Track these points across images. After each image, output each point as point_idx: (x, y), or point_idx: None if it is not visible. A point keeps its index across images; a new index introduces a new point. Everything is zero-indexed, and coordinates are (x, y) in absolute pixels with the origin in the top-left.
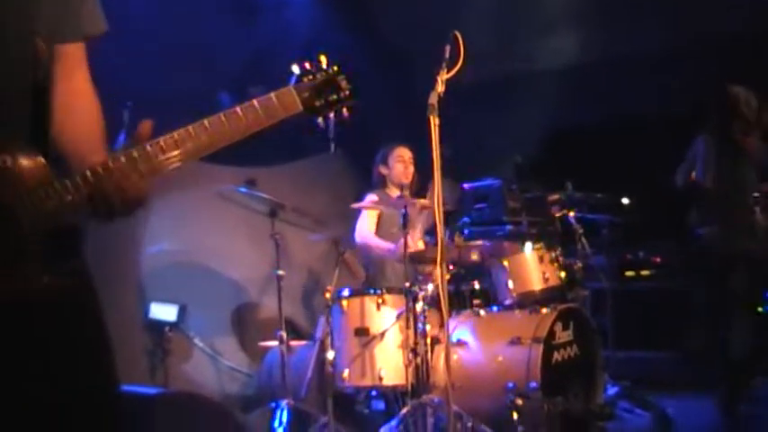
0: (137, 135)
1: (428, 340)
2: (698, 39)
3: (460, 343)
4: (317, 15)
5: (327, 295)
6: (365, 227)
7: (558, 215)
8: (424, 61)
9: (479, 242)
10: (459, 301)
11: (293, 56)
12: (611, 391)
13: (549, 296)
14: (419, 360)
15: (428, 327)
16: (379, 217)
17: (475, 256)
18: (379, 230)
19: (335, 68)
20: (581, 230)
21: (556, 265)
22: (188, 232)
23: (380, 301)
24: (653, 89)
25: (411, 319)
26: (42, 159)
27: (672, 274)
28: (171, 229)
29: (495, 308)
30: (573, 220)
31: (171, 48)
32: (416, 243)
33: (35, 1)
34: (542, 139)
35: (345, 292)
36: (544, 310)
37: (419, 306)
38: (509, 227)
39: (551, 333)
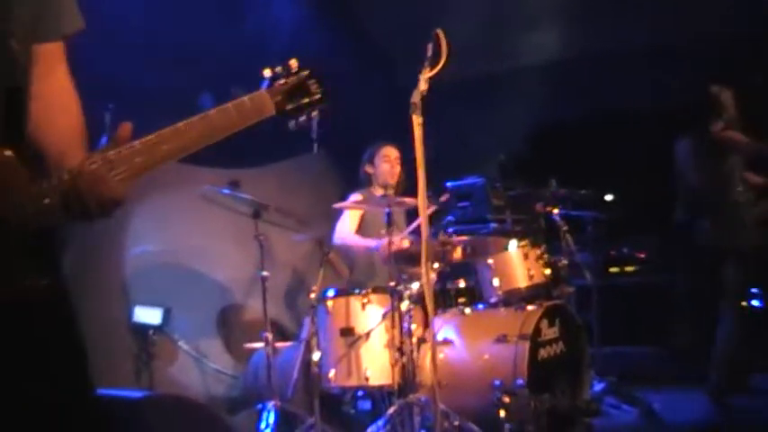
0: (116, 137)
1: (414, 339)
2: (681, 35)
3: (446, 341)
4: (301, 15)
5: (312, 296)
6: (345, 227)
7: (542, 212)
8: (407, 60)
9: (463, 237)
10: (444, 299)
11: (277, 55)
12: (598, 387)
13: (535, 293)
14: (405, 359)
15: (414, 326)
16: (362, 217)
17: (459, 255)
18: (363, 231)
19: (306, 72)
20: (565, 227)
21: (541, 262)
22: (172, 234)
23: (366, 300)
24: (636, 85)
25: (396, 318)
26: (14, 159)
27: (656, 270)
28: (154, 231)
29: (480, 306)
30: (557, 217)
31: (154, 47)
32: (401, 242)
33: (7, 2)
34: (526, 136)
35: (330, 293)
36: (530, 308)
37: (404, 305)
38: (493, 225)
39: (537, 330)
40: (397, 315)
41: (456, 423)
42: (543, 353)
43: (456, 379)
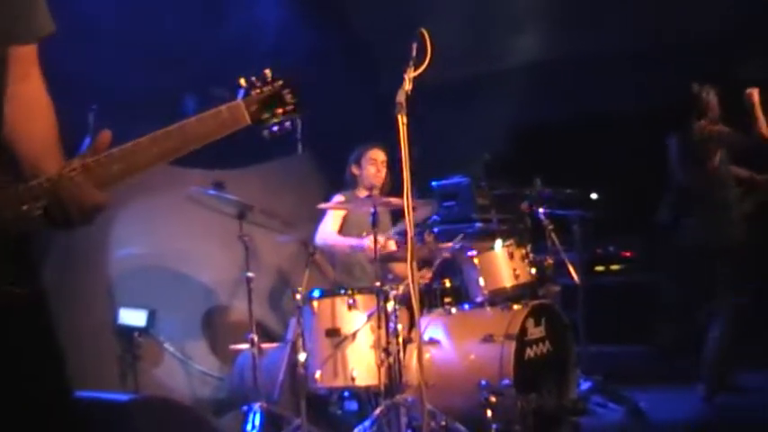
0: (95, 145)
1: (400, 340)
2: (663, 37)
3: (433, 341)
4: (285, 16)
5: (298, 296)
6: (327, 227)
7: (527, 211)
8: (391, 60)
9: (449, 244)
10: (430, 299)
11: (261, 56)
12: (584, 386)
13: (521, 293)
14: (391, 360)
15: (400, 326)
16: (345, 219)
17: (446, 254)
18: (346, 232)
19: (281, 82)
20: (551, 226)
21: (526, 261)
22: (156, 236)
23: (351, 301)
24: (619, 86)
25: (382, 318)
26: None
27: (642, 269)
28: (139, 233)
29: (466, 305)
30: (542, 216)
31: (138, 48)
32: (387, 244)
33: None
34: (511, 136)
35: (316, 293)
36: (516, 307)
37: (390, 305)
38: (479, 224)
39: (523, 329)
40: (383, 315)
41: (443, 423)
42: (530, 352)
43: (442, 379)
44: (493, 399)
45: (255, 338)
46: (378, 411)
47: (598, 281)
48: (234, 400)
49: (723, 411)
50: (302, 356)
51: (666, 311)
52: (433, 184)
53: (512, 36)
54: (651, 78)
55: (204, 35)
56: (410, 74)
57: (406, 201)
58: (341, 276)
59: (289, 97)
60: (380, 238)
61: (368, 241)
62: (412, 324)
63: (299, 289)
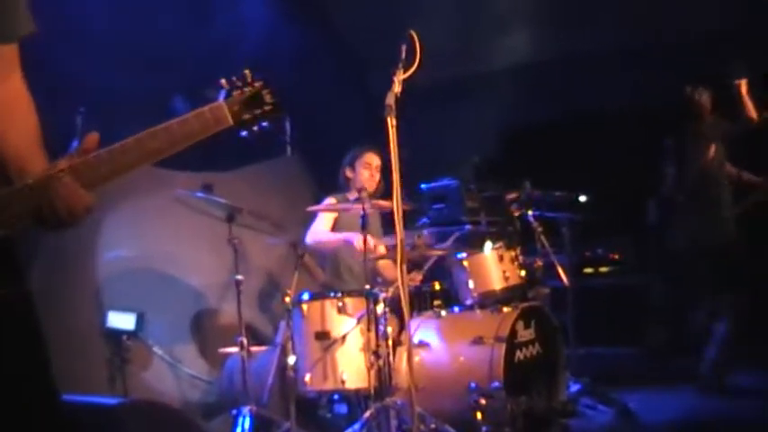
0: (83, 147)
1: (390, 342)
2: (653, 37)
3: (422, 344)
4: (273, 17)
5: (287, 299)
6: (320, 226)
7: (516, 214)
8: (380, 63)
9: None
10: (420, 302)
11: (249, 58)
12: (574, 388)
13: (510, 295)
14: (381, 362)
15: (389, 329)
16: (336, 221)
17: (435, 256)
18: (340, 230)
19: (260, 83)
20: (540, 229)
21: (516, 263)
22: (145, 239)
23: (341, 304)
24: (609, 87)
25: (372, 321)
26: None
27: (630, 271)
28: (128, 236)
29: (456, 308)
30: (532, 219)
31: (125, 49)
32: (376, 248)
33: None
34: (500, 138)
35: (305, 296)
36: (505, 309)
37: (380, 308)
38: (468, 227)
39: (513, 332)
40: (372, 318)
41: (432, 426)
42: (519, 355)
43: (432, 382)
44: (482, 401)
45: (245, 341)
46: (367, 414)
47: (587, 283)
48: (223, 404)
49: (713, 413)
50: (292, 359)
51: (656, 313)
52: (423, 186)
53: (501, 37)
54: (640, 79)
55: (192, 36)
56: (399, 76)
57: (396, 203)
58: (329, 278)
59: (268, 98)
60: (371, 240)
61: (358, 237)
62: (402, 327)
63: (289, 292)
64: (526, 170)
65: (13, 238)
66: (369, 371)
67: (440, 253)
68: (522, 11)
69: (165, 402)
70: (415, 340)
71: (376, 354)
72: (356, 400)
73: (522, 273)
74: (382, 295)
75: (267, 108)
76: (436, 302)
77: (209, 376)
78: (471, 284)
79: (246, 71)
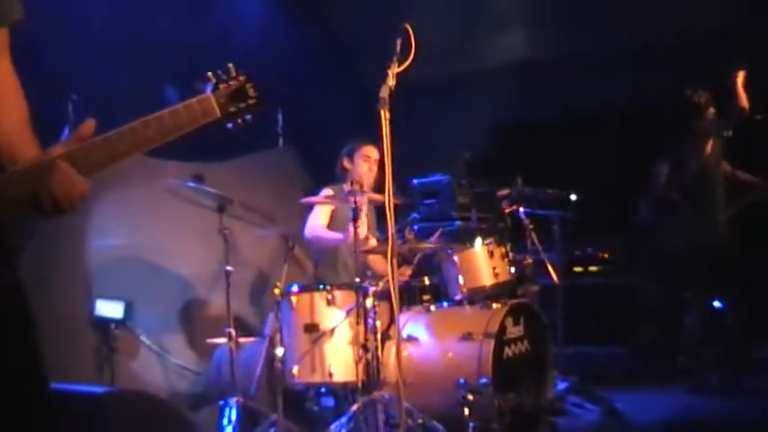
0: (79, 133)
1: (378, 336)
2: (648, 37)
3: (411, 339)
4: (268, 10)
5: (276, 291)
6: (316, 220)
7: (508, 211)
8: (374, 57)
9: (430, 245)
10: (409, 296)
11: (244, 51)
12: (561, 386)
13: (500, 292)
14: (370, 356)
15: (378, 323)
16: (333, 214)
17: (425, 251)
18: (334, 227)
19: (244, 77)
20: (531, 226)
21: (506, 260)
22: (135, 228)
23: (330, 296)
24: (602, 87)
25: (361, 315)
26: None
27: (620, 270)
28: (118, 225)
29: (445, 303)
30: (523, 216)
31: (117, 40)
32: (368, 240)
33: None
34: (493, 135)
35: (294, 288)
36: (495, 306)
37: (369, 302)
38: (459, 222)
39: (502, 328)
40: (361, 311)
41: (420, 421)
42: (508, 351)
43: (420, 377)
44: (470, 397)
45: (233, 333)
46: (355, 408)
47: (577, 281)
48: (210, 395)
49: (701, 413)
50: (280, 351)
51: (645, 313)
52: (414, 181)
53: (496, 35)
54: (634, 80)
55: (187, 28)
56: (394, 69)
57: (388, 196)
58: (325, 271)
59: (251, 92)
60: (362, 232)
61: (349, 233)
62: (391, 321)
63: (278, 283)
64: (518, 167)
65: (4, 225)
66: (357, 364)
67: (431, 245)
68: (518, 10)
69: (152, 392)
70: (404, 335)
71: (364, 347)
72: (343, 393)
73: (512, 269)
74: (372, 289)
75: (251, 102)
76: (425, 297)
77: (196, 367)
78: (461, 280)
79: (230, 65)
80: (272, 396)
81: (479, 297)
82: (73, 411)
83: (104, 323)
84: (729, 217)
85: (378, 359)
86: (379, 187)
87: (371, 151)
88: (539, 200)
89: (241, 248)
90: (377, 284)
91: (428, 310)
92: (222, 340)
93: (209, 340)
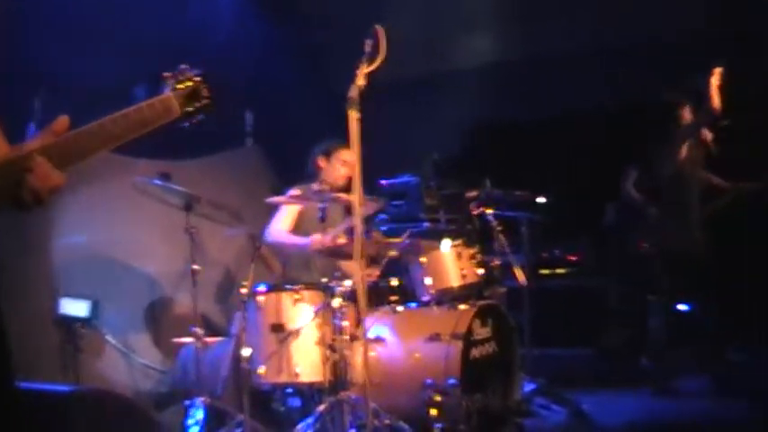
0: (53, 128)
1: (345, 337)
2: (618, 39)
3: (378, 339)
4: (240, 8)
5: (243, 290)
6: (277, 225)
7: (476, 212)
8: (346, 56)
9: (398, 239)
10: (376, 297)
11: (214, 47)
12: (528, 387)
13: (467, 293)
14: (336, 357)
15: (346, 323)
16: (300, 215)
17: (393, 253)
18: (302, 228)
19: (200, 78)
20: (499, 228)
21: (474, 262)
22: (102, 225)
23: (297, 296)
24: (572, 89)
25: (328, 315)
26: None
27: (587, 273)
28: (84, 222)
29: (412, 304)
30: (491, 218)
31: (88, 37)
32: (337, 239)
33: None
34: (462, 136)
35: (261, 288)
36: (462, 307)
37: (336, 302)
38: (427, 224)
39: (470, 329)
40: (329, 312)
41: (387, 422)
42: (475, 352)
43: (387, 377)
44: (438, 398)
45: (199, 332)
46: (321, 408)
47: (544, 284)
48: (176, 394)
49: (665, 415)
50: (246, 351)
51: (611, 315)
52: (383, 182)
53: (466, 35)
54: (604, 82)
55: (156, 24)
56: (363, 69)
57: (357, 196)
58: (292, 271)
59: (205, 92)
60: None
61: (314, 238)
62: (358, 321)
63: (245, 283)
64: (487, 169)
65: None
66: (324, 365)
67: (398, 242)
68: (488, 11)
69: (117, 392)
70: (371, 335)
71: (331, 348)
72: (310, 393)
73: (480, 271)
74: (339, 289)
75: (205, 102)
76: (393, 298)
77: (162, 366)
78: (429, 281)
79: (184, 66)
80: (238, 396)
81: (447, 298)
82: (37, 410)
83: (69, 322)
84: (701, 220)
85: (345, 360)
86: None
87: (350, 155)
88: (507, 202)
89: (208, 247)
90: (344, 285)
91: (396, 311)
92: (188, 340)
93: (175, 339)
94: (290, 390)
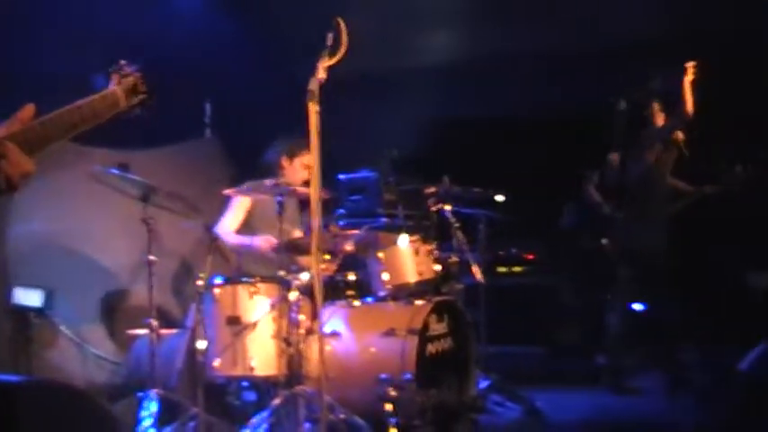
0: (21, 116)
1: (301, 330)
2: (582, 41)
3: (334, 334)
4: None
5: (200, 283)
6: (226, 225)
7: (434, 209)
8: (307, 49)
9: (355, 231)
10: (333, 291)
11: (178, 41)
12: (483, 384)
13: (424, 289)
14: (292, 350)
15: (301, 317)
16: (251, 212)
17: (350, 247)
18: (252, 224)
19: (138, 73)
20: (457, 225)
21: (431, 258)
22: (58, 214)
23: (253, 289)
24: (532, 88)
25: (284, 308)
26: None
27: (543, 271)
28: (40, 210)
29: (369, 299)
30: (449, 214)
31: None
32: (293, 234)
33: None
34: (423, 132)
35: (218, 280)
36: (419, 303)
37: (293, 295)
38: (384, 219)
39: (426, 325)
40: (285, 305)
41: (341, 416)
42: (431, 348)
43: (343, 372)
44: (393, 393)
45: (154, 324)
46: (276, 402)
47: (500, 281)
48: (130, 386)
49: (618, 412)
50: (201, 344)
51: (567, 314)
52: (341, 177)
53: (429, 33)
54: (563, 82)
55: (118, 17)
56: (324, 63)
57: (314, 190)
58: (249, 264)
59: (143, 87)
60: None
61: (259, 240)
62: (314, 315)
63: (201, 275)
64: (446, 166)
65: None
66: (279, 358)
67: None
68: (451, 9)
69: (69, 383)
70: (327, 329)
71: (287, 341)
72: (265, 387)
73: (437, 267)
74: (296, 282)
75: (143, 96)
76: (349, 292)
77: (116, 358)
78: (385, 276)
79: (123, 61)
80: (192, 389)
81: (403, 294)
82: None
83: (23, 311)
84: (665, 222)
85: (300, 353)
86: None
87: (311, 160)
88: (465, 199)
89: (165, 238)
90: (301, 279)
91: (352, 306)
92: (143, 331)
93: (129, 331)
94: (245, 383)
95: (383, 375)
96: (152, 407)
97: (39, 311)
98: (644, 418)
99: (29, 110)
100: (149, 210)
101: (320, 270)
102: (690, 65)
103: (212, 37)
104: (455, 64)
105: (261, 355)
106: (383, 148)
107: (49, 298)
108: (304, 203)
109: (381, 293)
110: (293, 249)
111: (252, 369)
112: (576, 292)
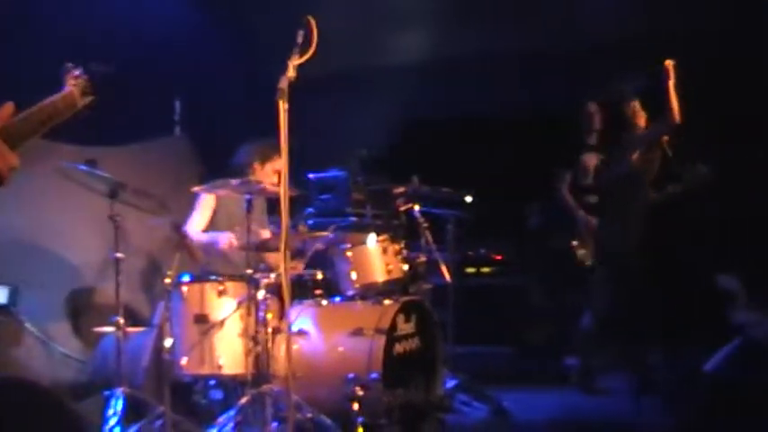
0: (1, 113)
1: (269, 329)
2: (554, 41)
3: (302, 332)
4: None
5: (167, 280)
6: (192, 226)
7: (403, 208)
8: (277, 47)
9: (324, 233)
10: (301, 290)
11: (148, 39)
12: (450, 384)
13: (392, 288)
14: (259, 349)
15: (269, 315)
16: (216, 211)
17: (318, 246)
18: (218, 224)
19: (87, 75)
20: (425, 224)
21: (399, 257)
22: (24, 210)
23: (221, 288)
24: (502, 88)
25: (252, 307)
26: None
27: (511, 272)
28: (4, 206)
29: (337, 298)
30: (418, 214)
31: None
32: (260, 233)
33: None
34: (392, 132)
35: (185, 278)
36: (386, 302)
37: (260, 294)
38: (353, 218)
39: (393, 325)
40: (252, 304)
41: (309, 415)
42: (399, 347)
43: (310, 371)
44: (360, 392)
45: (121, 321)
46: (243, 401)
47: (468, 282)
48: (96, 385)
49: (584, 412)
50: (168, 342)
51: (535, 314)
52: (310, 176)
53: (399, 32)
54: (534, 84)
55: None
56: (294, 61)
57: (283, 189)
58: (216, 262)
59: (91, 87)
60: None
61: (226, 237)
62: (282, 314)
63: (169, 273)
64: (416, 166)
65: None
66: (246, 357)
67: (321, 238)
68: (421, 8)
69: (34, 380)
70: (295, 328)
71: (254, 340)
72: (232, 386)
73: (405, 267)
74: (264, 281)
75: (90, 99)
76: (317, 291)
77: (82, 356)
78: (353, 275)
79: (70, 64)
80: (159, 387)
81: (371, 293)
82: None
83: None
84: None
85: (268, 352)
86: None
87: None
88: (434, 199)
89: (133, 236)
90: (269, 277)
91: (320, 305)
92: (109, 329)
93: (95, 329)
94: (212, 382)
95: (350, 375)
96: (118, 405)
97: (3, 308)
98: (610, 418)
99: (9, 107)
100: (117, 207)
101: (288, 269)
102: (669, 63)
103: (182, 35)
104: (425, 64)
105: (228, 353)
106: (353, 147)
107: (13, 294)
108: (272, 204)
109: (349, 292)
110: (260, 248)
111: (220, 367)
112: (544, 293)
